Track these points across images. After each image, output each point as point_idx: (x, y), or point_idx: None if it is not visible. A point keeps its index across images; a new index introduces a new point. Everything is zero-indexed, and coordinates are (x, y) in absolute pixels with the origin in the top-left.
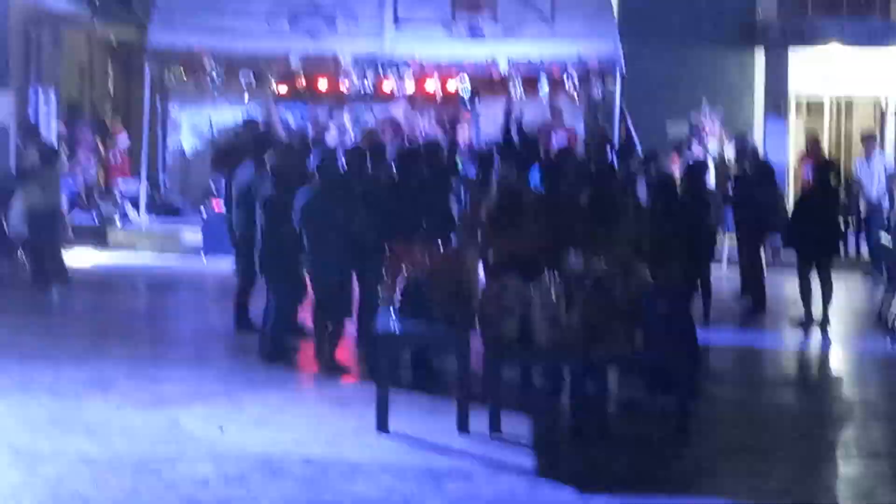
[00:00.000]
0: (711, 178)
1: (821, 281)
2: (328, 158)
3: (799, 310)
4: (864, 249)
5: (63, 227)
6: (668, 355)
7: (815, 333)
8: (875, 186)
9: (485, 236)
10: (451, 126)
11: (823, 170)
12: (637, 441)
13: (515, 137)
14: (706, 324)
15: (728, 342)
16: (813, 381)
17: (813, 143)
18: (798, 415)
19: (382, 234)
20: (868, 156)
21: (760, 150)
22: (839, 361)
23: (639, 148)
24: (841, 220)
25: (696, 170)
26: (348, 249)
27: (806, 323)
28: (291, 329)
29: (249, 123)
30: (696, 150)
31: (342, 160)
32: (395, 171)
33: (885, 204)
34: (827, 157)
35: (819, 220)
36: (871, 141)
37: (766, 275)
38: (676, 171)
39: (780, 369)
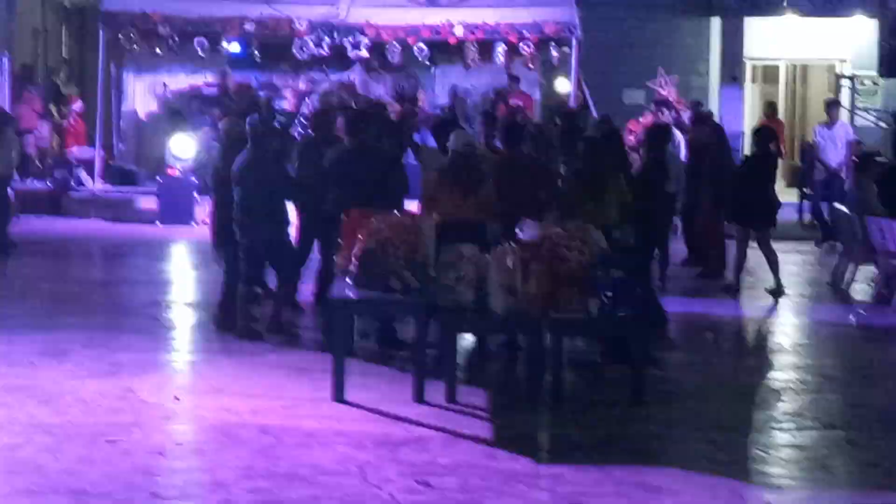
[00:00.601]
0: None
1: (761, 250)
2: (261, 121)
3: (751, 278)
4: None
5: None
6: (623, 322)
7: (765, 301)
8: (837, 154)
9: (438, 203)
10: (401, 94)
11: (762, 137)
12: (593, 408)
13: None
14: (661, 290)
15: (683, 310)
16: (768, 350)
17: (770, 111)
18: (753, 384)
19: (338, 200)
20: (832, 122)
21: (716, 118)
22: (793, 330)
23: (595, 114)
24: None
25: (654, 133)
26: (282, 213)
27: (733, 289)
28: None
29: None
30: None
31: (302, 124)
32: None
33: (844, 173)
34: (762, 124)
35: (755, 187)
36: (835, 107)
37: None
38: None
39: (735, 338)
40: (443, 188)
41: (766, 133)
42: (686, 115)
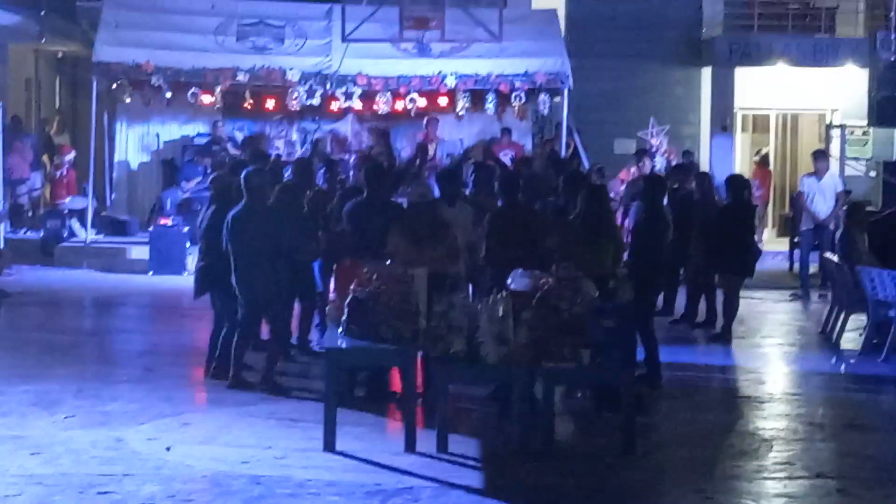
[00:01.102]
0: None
1: (725, 295)
2: (254, 173)
3: (742, 328)
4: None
5: None
6: (614, 371)
7: (755, 350)
8: (825, 204)
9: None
10: (384, 138)
11: (735, 185)
12: (584, 457)
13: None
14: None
15: (673, 359)
16: (758, 398)
17: (761, 160)
18: (743, 432)
19: (325, 250)
20: (819, 173)
21: (707, 166)
22: (783, 379)
23: (586, 164)
24: (783, 236)
25: (651, 184)
26: (277, 266)
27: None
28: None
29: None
30: (648, 165)
31: (291, 174)
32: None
33: (832, 225)
34: (738, 173)
35: (731, 235)
36: (822, 158)
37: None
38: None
39: (724, 387)
40: (404, 241)
41: (739, 181)
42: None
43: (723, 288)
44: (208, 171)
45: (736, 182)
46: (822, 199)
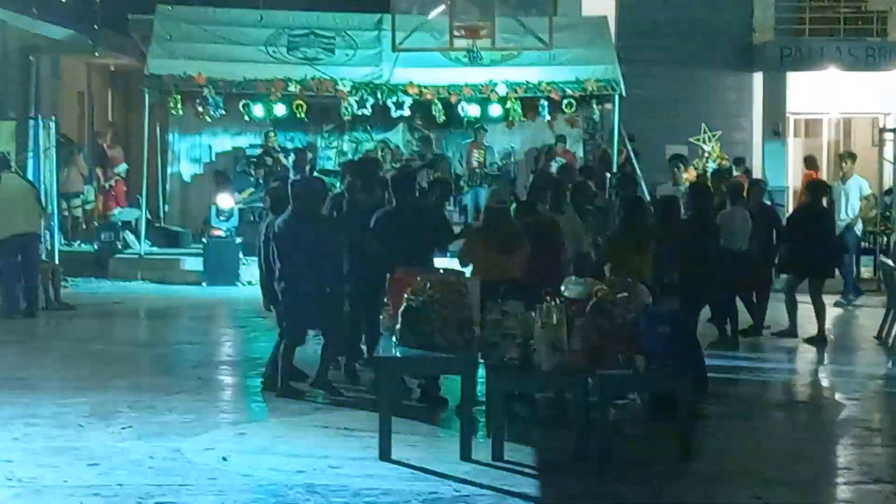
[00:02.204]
0: None
1: (812, 301)
2: (303, 184)
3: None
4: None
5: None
6: (669, 377)
7: (810, 354)
8: (847, 207)
9: (476, 258)
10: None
11: (815, 190)
12: (640, 465)
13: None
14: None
15: (728, 364)
16: (814, 403)
17: (811, 165)
18: (800, 438)
19: (379, 259)
20: (844, 176)
21: (760, 172)
22: (840, 383)
23: (639, 170)
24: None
25: (699, 189)
26: (325, 273)
27: (790, 334)
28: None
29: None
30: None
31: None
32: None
33: (858, 226)
34: (817, 177)
35: (810, 239)
36: (847, 160)
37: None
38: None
39: (780, 392)
40: (479, 247)
41: (819, 186)
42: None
43: (811, 293)
44: (260, 182)
45: (814, 186)
46: (846, 202)
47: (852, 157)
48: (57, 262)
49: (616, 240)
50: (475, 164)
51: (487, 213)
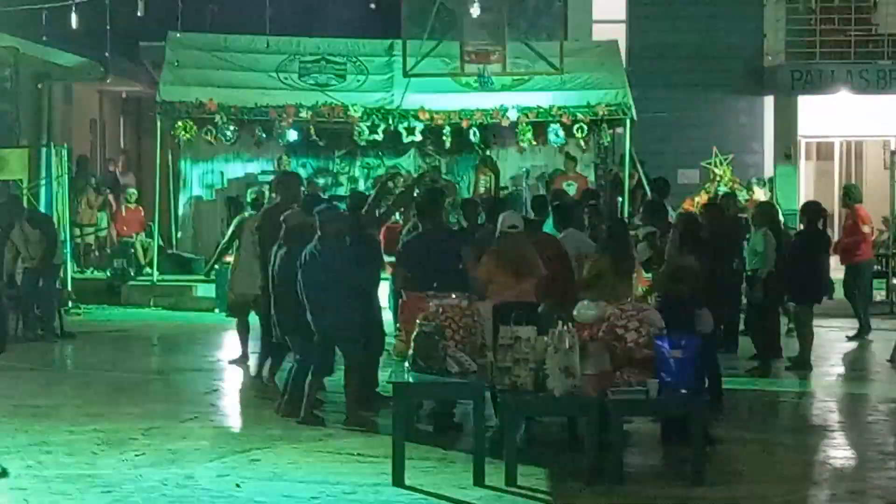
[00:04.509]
0: None
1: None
2: (326, 212)
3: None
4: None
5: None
6: (682, 401)
7: (824, 378)
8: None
9: (496, 285)
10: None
11: (811, 214)
12: (654, 489)
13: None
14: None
15: (741, 388)
16: (829, 427)
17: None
18: (814, 461)
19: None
20: None
21: (772, 195)
22: (854, 407)
23: (650, 194)
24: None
25: (713, 210)
26: (350, 302)
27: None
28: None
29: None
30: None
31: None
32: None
33: None
34: (813, 200)
35: (805, 264)
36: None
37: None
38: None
39: (794, 415)
40: (493, 272)
41: (813, 209)
42: (742, 195)
43: (796, 316)
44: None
45: (810, 209)
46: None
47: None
48: (69, 289)
49: (596, 264)
50: (482, 189)
51: (501, 238)
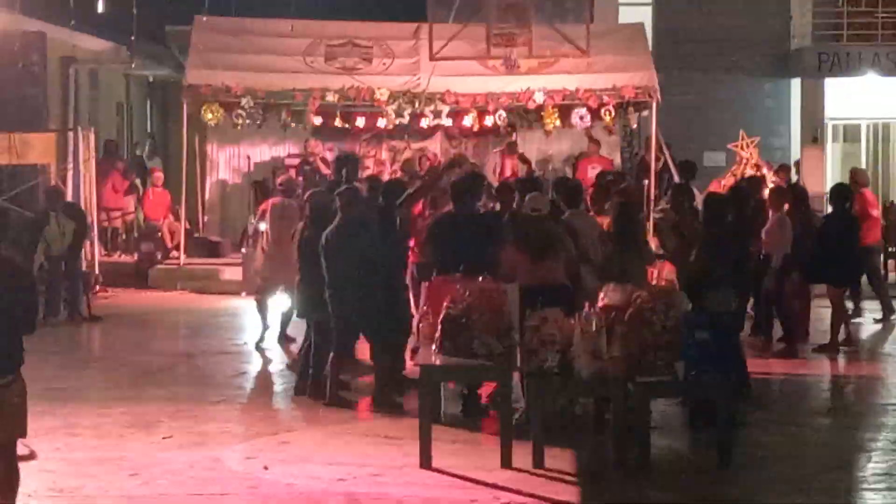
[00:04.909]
0: None
1: (831, 306)
2: (348, 194)
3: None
4: None
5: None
6: (709, 384)
7: (850, 361)
8: None
9: (521, 268)
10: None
11: (837, 197)
12: (681, 472)
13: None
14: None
15: (767, 371)
16: (855, 409)
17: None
18: (841, 444)
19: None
20: None
21: (799, 178)
22: (880, 389)
23: (676, 178)
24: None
25: (740, 193)
26: (372, 283)
27: (831, 349)
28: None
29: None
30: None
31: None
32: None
33: None
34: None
35: (835, 247)
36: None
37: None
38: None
39: (821, 398)
40: (520, 253)
41: (842, 192)
42: (769, 177)
43: (829, 299)
44: (298, 191)
45: (838, 192)
46: None
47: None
48: (97, 272)
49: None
50: (508, 173)
51: (521, 220)
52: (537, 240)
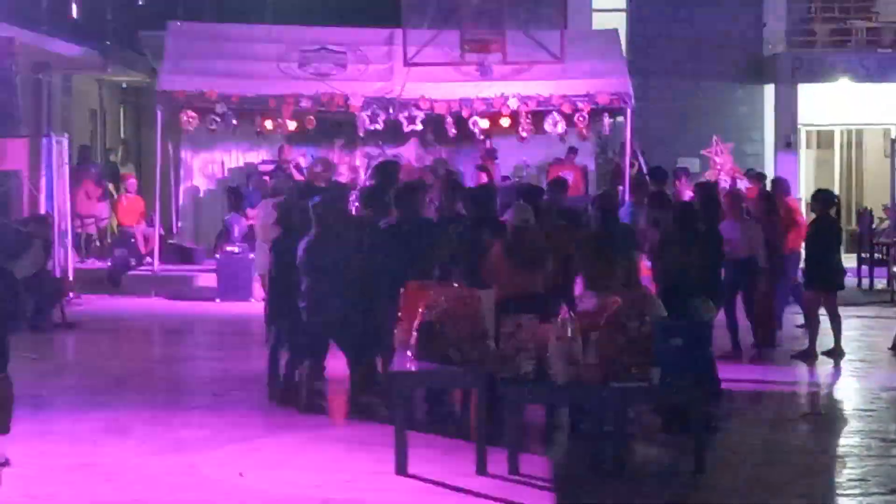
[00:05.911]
0: None
1: (827, 314)
2: (327, 201)
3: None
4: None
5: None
6: (684, 390)
7: (825, 366)
8: None
9: (499, 275)
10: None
11: (823, 202)
12: (656, 477)
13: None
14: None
15: (742, 377)
16: (830, 415)
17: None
18: (816, 450)
19: (392, 274)
20: None
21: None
22: (855, 395)
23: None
24: (850, 252)
25: (706, 191)
26: (350, 292)
27: (808, 356)
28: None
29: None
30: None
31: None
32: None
33: None
34: (825, 188)
35: (821, 251)
36: None
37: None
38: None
39: (795, 404)
40: (504, 263)
41: (826, 196)
42: (742, 183)
43: (825, 306)
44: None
45: (822, 198)
46: None
47: None
48: (70, 278)
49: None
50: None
51: (512, 230)
52: (528, 251)
